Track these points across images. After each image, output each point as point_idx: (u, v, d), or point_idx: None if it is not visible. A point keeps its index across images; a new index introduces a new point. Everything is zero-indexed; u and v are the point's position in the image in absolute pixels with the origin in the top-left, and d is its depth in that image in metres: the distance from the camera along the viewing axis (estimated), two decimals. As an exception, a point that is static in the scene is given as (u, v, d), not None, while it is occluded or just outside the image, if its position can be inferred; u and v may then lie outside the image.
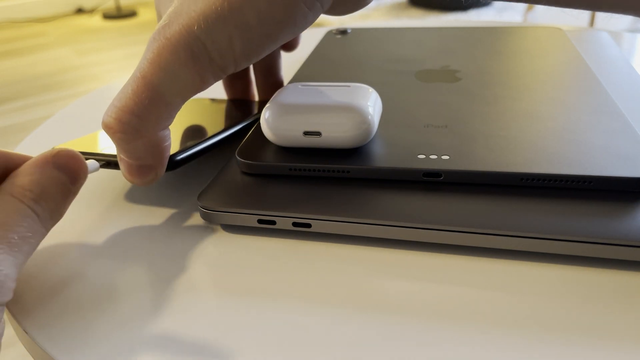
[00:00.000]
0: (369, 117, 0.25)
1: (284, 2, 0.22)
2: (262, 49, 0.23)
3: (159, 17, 0.28)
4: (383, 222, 0.23)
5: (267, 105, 0.26)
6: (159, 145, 0.25)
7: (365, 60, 0.38)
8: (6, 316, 0.23)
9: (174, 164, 0.27)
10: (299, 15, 0.22)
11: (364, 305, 0.21)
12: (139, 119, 0.23)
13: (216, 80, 0.23)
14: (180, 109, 0.31)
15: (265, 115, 0.26)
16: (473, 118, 0.28)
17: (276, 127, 0.26)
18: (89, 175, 0.27)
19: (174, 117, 0.24)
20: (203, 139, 0.29)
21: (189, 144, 0.29)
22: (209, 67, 0.23)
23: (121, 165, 0.25)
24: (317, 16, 0.23)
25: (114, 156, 0.26)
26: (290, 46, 0.37)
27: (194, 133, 0.31)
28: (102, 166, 0.27)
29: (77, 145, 0.29)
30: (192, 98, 0.35)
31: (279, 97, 0.27)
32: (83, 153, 0.27)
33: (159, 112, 0.23)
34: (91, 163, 0.26)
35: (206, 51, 0.22)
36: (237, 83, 0.37)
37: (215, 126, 0.32)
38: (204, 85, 0.23)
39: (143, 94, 0.23)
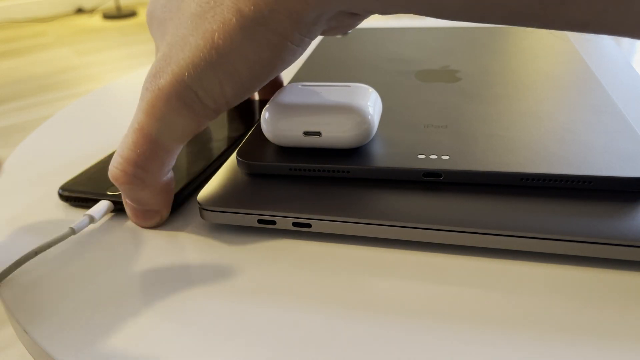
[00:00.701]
0: (369, 117, 0.25)
1: (270, 46, 0.22)
2: (253, 89, 0.23)
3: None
4: (383, 222, 0.23)
5: (267, 105, 0.26)
6: (164, 191, 0.25)
7: (365, 60, 0.38)
8: (7, 316, 0.23)
9: (179, 201, 0.28)
10: (287, 53, 0.22)
11: (364, 305, 0.21)
12: (142, 169, 0.24)
13: (211, 120, 0.24)
14: None
15: (265, 115, 0.26)
16: (473, 118, 0.28)
17: (276, 127, 0.26)
18: (101, 212, 0.27)
19: (175, 159, 0.25)
20: (206, 165, 0.30)
21: (192, 171, 0.29)
22: (203, 112, 0.23)
23: (127, 209, 0.26)
24: (306, 48, 0.23)
25: (119, 195, 0.27)
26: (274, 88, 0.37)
27: (197, 151, 0.31)
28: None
29: (84, 181, 0.29)
30: None
31: (278, 97, 0.27)
32: (91, 193, 0.28)
33: (161, 160, 0.24)
34: (104, 205, 0.26)
35: (198, 98, 0.23)
36: None
37: (217, 136, 0.32)
38: (200, 127, 0.24)
39: (143, 146, 0.23)
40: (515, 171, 0.24)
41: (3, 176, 0.33)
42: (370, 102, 0.26)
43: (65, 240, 0.26)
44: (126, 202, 0.26)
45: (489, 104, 0.30)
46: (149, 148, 0.23)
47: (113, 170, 0.24)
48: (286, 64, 0.23)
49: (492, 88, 0.32)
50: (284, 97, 0.27)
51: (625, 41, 0.50)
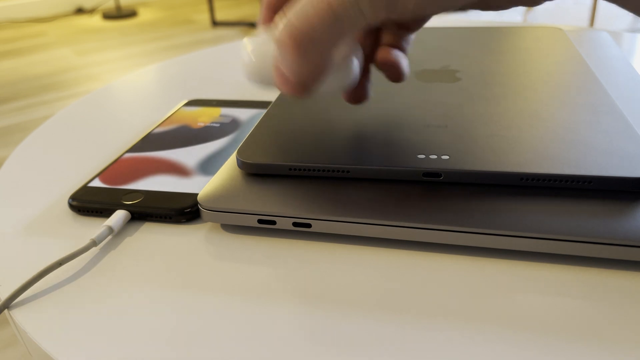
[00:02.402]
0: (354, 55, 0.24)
1: None
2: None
3: None
4: (383, 222, 0.23)
5: (248, 39, 0.24)
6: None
7: None
8: (7, 316, 0.23)
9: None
10: None
11: (365, 305, 0.21)
12: None
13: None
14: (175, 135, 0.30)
15: (248, 48, 0.24)
16: (473, 118, 0.28)
17: (260, 61, 0.24)
18: (119, 222, 0.26)
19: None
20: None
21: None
22: None
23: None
24: None
25: (138, 205, 0.27)
26: (357, 98, 0.28)
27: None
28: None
29: (95, 191, 0.28)
30: (182, 121, 0.35)
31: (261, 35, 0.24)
32: (106, 203, 0.27)
33: None
34: (122, 215, 0.26)
35: None
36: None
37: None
38: None
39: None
40: (515, 171, 0.24)
41: (4, 177, 0.33)
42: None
43: (65, 239, 0.26)
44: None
45: (489, 104, 0.30)
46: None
47: None
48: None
49: (492, 88, 0.32)
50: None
51: (625, 41, 0.50)
